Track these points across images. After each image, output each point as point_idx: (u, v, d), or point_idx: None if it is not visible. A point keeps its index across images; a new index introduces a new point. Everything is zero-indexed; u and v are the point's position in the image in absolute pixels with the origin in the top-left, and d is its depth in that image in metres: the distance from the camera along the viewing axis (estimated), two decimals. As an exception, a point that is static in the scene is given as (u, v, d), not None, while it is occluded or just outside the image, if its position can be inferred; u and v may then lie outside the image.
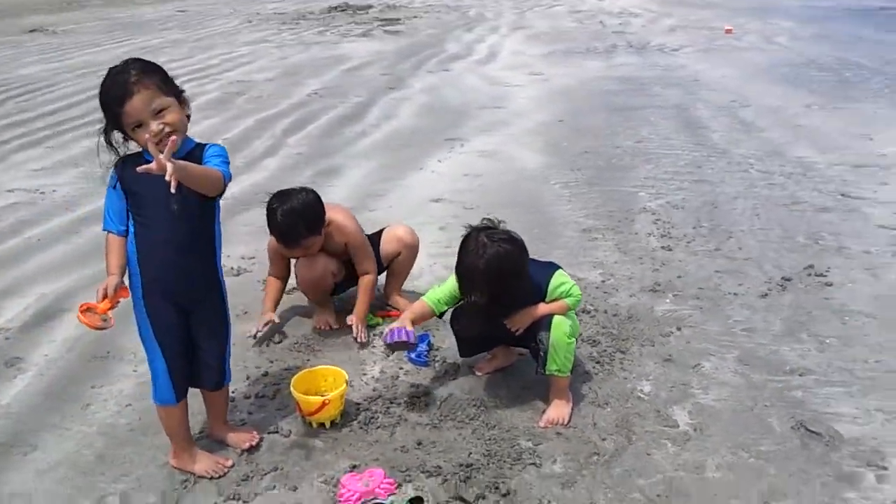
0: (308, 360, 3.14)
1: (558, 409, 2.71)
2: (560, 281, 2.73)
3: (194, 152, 2.23)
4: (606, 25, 14.67)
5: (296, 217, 3.12)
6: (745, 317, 3.43)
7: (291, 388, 2.66)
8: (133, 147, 2.21)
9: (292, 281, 3.46)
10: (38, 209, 4.99)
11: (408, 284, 3.64)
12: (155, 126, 2.09)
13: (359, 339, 3.23)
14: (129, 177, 2.18)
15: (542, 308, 2.71)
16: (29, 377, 3.04)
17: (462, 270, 2.63)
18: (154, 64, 2.19)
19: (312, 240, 3.21)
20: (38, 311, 3.56)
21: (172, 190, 1.90)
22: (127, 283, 2.25)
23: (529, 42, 12.62)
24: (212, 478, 2.42)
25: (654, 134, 6.71)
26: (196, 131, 2.51)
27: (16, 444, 2.62)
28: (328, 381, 2.79)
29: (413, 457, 2.51)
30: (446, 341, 3.20)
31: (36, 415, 2.78)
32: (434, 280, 3.80)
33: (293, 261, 3.40)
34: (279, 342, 3.29)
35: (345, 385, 2.69)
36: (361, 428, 2.67)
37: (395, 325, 2.75)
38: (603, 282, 3.80)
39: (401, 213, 4.73)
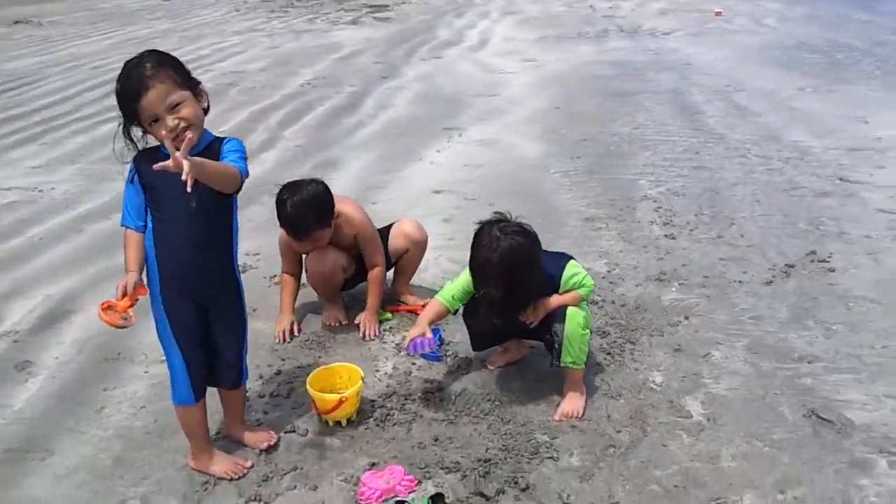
0: (320, 357, 3.15)
1: (573, 402, 2.72)
2: (573, 272, 2.74)
3: (213, 146, 2.20)
4: (596, 9, 14.63)
5: (305, 208, 3.10)
6: (752, 304, 3.46)
7: (307, 386, 2.66)
8: (152, 141, 2.18)
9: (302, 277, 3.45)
10: (37, 207, 4.93)
11: (414, 278, 3.64)
12: (170, 121, 2.07)
13: (366, 338, 3.24)
14: (146, 171, 2.13)
15: (556, 299, 2.71)
16: (40, 381, 3.01)
17: (476, 265, 2.63)
18: (170, 56, 2.17)
19: (322, 232, 3.20)
20: (44, 313, 3.53)
21: (188, 188, 1.88)
22: (144, 279, 2.23)
23: (520, 27, 12.58)
24: (232, 479, 2.42)
25: (650, 120, 6.73)
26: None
27: (31, 449, 2.60)
28: (343, 378, 2.79)
29: (431, 453, 2.52)
30: (457, 335, 3.21)
31: (50, 419, 2.77)
32: (440, 273, 3.81)
33: (304, 256, 3.38)
34: (290, 340, 3.28)
35: (360, 382, 2.69)
36: (378, 425, 2.68)
37: (414, 333, 2.72)
38: (609, 272, 3.81)
39: (402, 205, 4.72)
